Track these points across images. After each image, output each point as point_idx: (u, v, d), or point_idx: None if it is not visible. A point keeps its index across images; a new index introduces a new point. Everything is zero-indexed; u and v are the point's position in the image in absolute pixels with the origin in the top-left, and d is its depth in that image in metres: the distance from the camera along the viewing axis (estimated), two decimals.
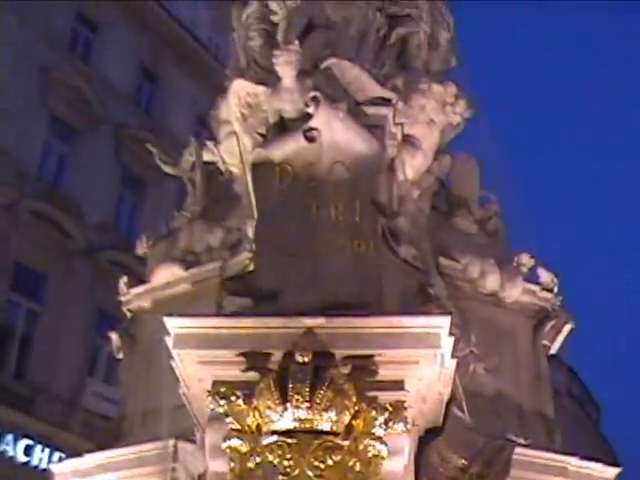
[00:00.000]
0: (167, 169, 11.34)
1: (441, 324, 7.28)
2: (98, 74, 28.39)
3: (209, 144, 10.61)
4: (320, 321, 7.22)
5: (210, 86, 27.70)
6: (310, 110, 8.53)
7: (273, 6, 10.66)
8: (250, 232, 8.95)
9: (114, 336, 10.36)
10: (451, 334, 7.47)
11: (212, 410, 7.25)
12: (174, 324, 7.47)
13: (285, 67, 8.79)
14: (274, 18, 10.67)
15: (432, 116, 9.86)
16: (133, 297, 10.28)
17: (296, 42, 9.05)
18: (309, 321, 7.22)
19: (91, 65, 28.58)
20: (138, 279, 10.53)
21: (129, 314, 10.36)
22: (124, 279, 10.54)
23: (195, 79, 31.85)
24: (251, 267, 8.54)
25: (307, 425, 6.91)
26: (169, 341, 7.51)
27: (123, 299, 10.40)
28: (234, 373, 7.28)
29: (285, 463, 6.84)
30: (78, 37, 28.66)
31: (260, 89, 9.18)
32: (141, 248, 10.74)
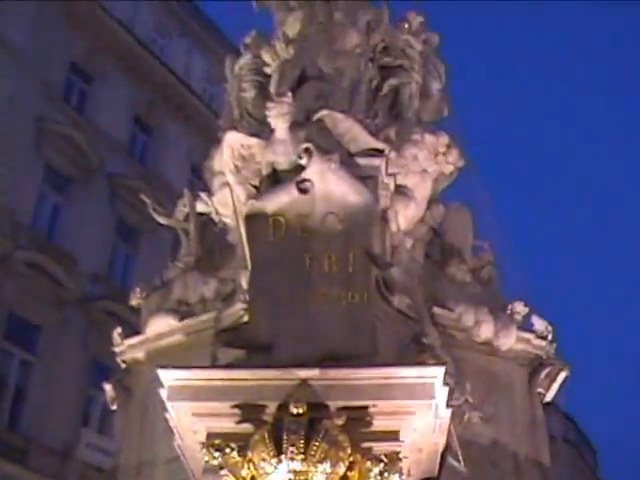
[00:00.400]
0: (161, 220, 11.36)
1: (435, 374, 7.29)
2: (92, 124, 28.49)
3: (203, 195, 10.65)
4: (314, 373, 7.22)
5: (204, 136, 27.88)
6: (303, 162, 8.59)
7: (266, 58, 10.78)
8: (244, 283, 8.96)
9: (108, 387, 10.33)
10: (445, 384, 7.48)
11: (206, 462, 7.24)
12: (168, 376, 7.47)
13: (278, 119, 8.87)
14: (267, 70, 10.78)
15: (425, 166, 9.92)
16: (127, 348, 10.25)
17: (289, 94, 9.14)
18: (303, 373, 7.23)
19: (86, 115, 28.68)
20: (132, 330, 10.51)
21: (123, 365, 10.32)
22: (118, 330, 10.51)
23: (189, 129, 32.01)
24: (245, 318, 8.54)
25: (302, 477, 6.89)
26: (163, 393, 7.50)
27: (117, 350, 10.37)
28: (228, 425, 7.27)
29: None
30: (73, 87, 28.79)
31: (253, 141, 9.25)
32: (135, 299, 10.72)
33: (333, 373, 7.26)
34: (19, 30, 26.51)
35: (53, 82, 27.59)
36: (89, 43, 29.25)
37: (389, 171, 9.36)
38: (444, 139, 10.13)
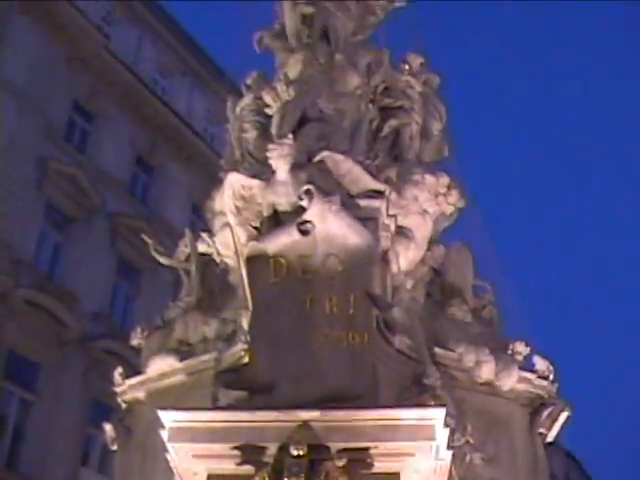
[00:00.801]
0: (162, 260, 11.38)
1: (436, 416, 7.28)
2: (94, 163, 28.55)
3: (204, 236, 10.68)
4: (315, 414, 7.22)
5: (206, 175, 27.95)
6: (304, 203, 8.63)
7: (267, 99, 10.85)
8: (245, 324, 8.96)
9: (108, 427, 10.30)
10: (446, 425, 7.47)
11: None
12: (169, 418, 7.47)
13: (279, 161, 8.93)
14: (268, 111, 10.85)
15: (425, 207, 9.97)
16: (128, 388, 10.24)
17: (290, 136, 9.21)
18: (304, 414, 7.22)
19: (87, 154, 28.74)
20: (133, 369, 10.50)
21: (124, 405, 10.30)
22: (119, 370, 10.50)
23: (190, 169, 32.09)
24: (246, 359, 8.55)
25: None
26: (164, 434, 7.49)
27: (118, 390, 10.35)
28: (229, 466, 7.26)
29: None
30: (75, 126, 28.89)
31: (254, 182, 9.30)
32: (136, 339, 10.72)
33: (334, 414, 7.26)
34: (21, 69, 26.63)
35: (55, 121, 27.66)
36: (91, 82, 29.36)
37: (390, 212, 9.40)
38: (444, 180, 10.19)
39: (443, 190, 10.16)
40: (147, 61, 32.80)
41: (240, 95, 11.75)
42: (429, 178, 10.07)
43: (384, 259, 9.26)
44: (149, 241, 11.52)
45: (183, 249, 11.02)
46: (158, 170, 31.53)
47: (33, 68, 26.97)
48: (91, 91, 29.42)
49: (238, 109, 11.41)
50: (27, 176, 26.02)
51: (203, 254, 10.72)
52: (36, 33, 27.43)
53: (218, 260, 10.58)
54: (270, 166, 9.11)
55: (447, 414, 7.44)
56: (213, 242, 10.49)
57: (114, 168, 29.42)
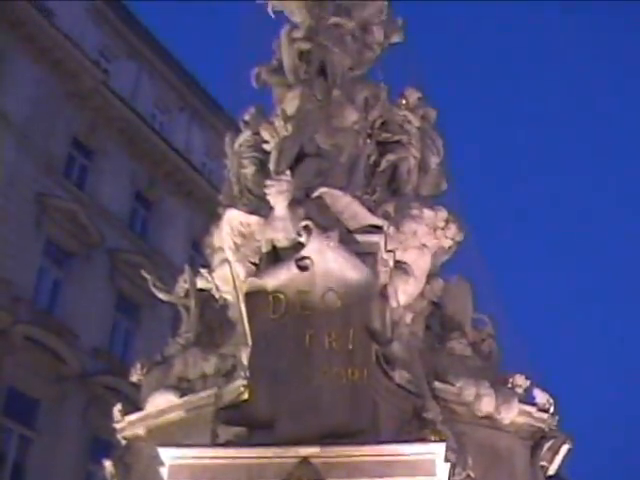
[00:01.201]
0: (161, 296, 11.39)
1: (436, 451, 7.29)
2: (93, 199, 28.59)
3: (203, 271, 10.69)
4: (315, 450, 7.21)
5: (204, 211, 27.95)
6: (302, 239, 8.67)
7: (265, 135, 10.90)
8: (245, 359, 8.97)
9: (108, 464, 10.25)
10: (447, 459, 7.46)
11: None
12: (169, 454, 7.47)
13: (277, 197, 8.97)
14: (266, 146, 10.89)
15: (424, 241, 9.99)
16: (127, 424, 10.21)
17: (287, 172, 9.25)
18: (304, 450, 7.22)
19: (86, 190, 28.78)
20: (133, 405, 10.49)
21: (123, 441, 10.27)
22: (118, 406, 10.49)
23: (189, 204, 32.16)
24: (246, 395, 8.54)
25: None
26: (164, 471, 7.48)
27: (117, 426, 10.32)
28: None
29: None
30: (74, 162, 28.94)
31: (253, 219, 9.32)
32: (135, 375, 10.70)
33: (334, 451, 7.25)
34: (20, 105, 26.70)
35: (54, 157, 27.73)
36: (90, 118, 29.45)
37: (388, 247, 9.42)
38: (443, 214, 10.21)
39: (441, 224, 10.19)
40: (145, 96, 32.93)
41: (238, 130, 11.80)
42: (427, 212, 10.10)
43: (383, 294, 9.27)
44: (148, 277, 11.53)
45: (182, 285, 11.04)
46: (157, 205, 31.57)
47: (32, 104, 27.07)
48: (90, 127, 29.50)
49: (236, 145, 11.46)
50: (26, 212, 26.05)
51: (202, 290, 10.73)
52: (35, 69, 27.57)
53: (217, 296, 10.59)
54: (268, 202, 9.14)
55: (448, 448, 7.45)
56: (212, 278, 10.50)
57: (113, 204, 29.47)
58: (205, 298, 10.75)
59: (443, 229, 10.23)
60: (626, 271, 73.76)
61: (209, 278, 10.55)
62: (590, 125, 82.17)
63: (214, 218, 10.70)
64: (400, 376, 9.01)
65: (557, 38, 78.61)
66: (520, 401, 9.74)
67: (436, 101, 12.39)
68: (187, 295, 10.89)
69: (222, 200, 11.54)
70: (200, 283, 10.72)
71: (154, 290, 11.41)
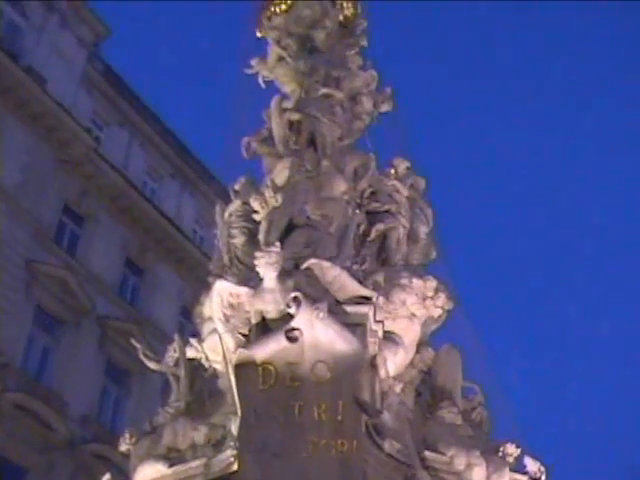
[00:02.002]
0: (151, 365, 11.36)
1: None
2: (84, 266, 28.54)
3: (193, 341, 10.69)
4: None
5: (195, 278, 28.01)
6: (291, 310, 8.72)
7: (255, 205, 10.96)
8: (234, 429, 8.96)
9: None
10: None
11: None
12: None
13: (266, 269, 9.04)
14: (256, 216, 10.96)
15: (413, 310, 10.03)
16: None
17: (277, 243, 9.33)
18: None
19: (77, 257, 28.76)
20: (122, 474, 10.43)
21: None
22: (107, 476, 10.42)
23: (180, 271, 32.15)
24: (235, 466, 8.53)
25: None
26: None
27: None
28: None
29: None
30: (64, 229, 28.98)
31: (242, 290, 9.37)
32: (124, 444, 10.64)
33: None
34: (12, 171, 26.77)
35: (45, 224, 27.76)
36: (81, 185, 29.51)
37: (377, 317, 9.47)
38: (432, 283, 10.27)
39: (431, 293, 10.24)
40: (137, 164, 33.07)
41: (228, 198, 11.88)
42: (416, 282, 10.15)
43: (372, 364, 9.29)
44: (138, 346, 11.51)
45: (172, 354, 11.02)
46: (147, 272, 31.55)
47: (23, 170, 27.17)
48: (81, 194, 29.58)
49: (226, 215, 11.54)
50: (16, 279, 26.01)
51: (192, 359, 10.72)
52: (27, 135, 27.68)
53: (207, 365, 10.58)
54: (258, 272, 9.20)
55: None
56: (202, 347, 10.50)
57: (104, 270, 29.44)
58: (195, 367, 10.74)
59: (432, 298, 10.27)
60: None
61: (199, 348, 10.55)
62: None
63: (204, 286, 10.74)
64: (390, 446, 8.98)
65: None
66: (511, 470, 9.72)
67: (426, 169, 12.51)
68: (177, 364, 10.87)
69: (212, 269, 11.58)
70: (190, 352, 10.71)
71: (144, 359, 11.39)
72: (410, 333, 9.96)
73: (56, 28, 30.07)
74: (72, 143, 28.92)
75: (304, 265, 9.39)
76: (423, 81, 61.37)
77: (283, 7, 13.44)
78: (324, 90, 12.18)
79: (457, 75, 74.29)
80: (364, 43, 13.61)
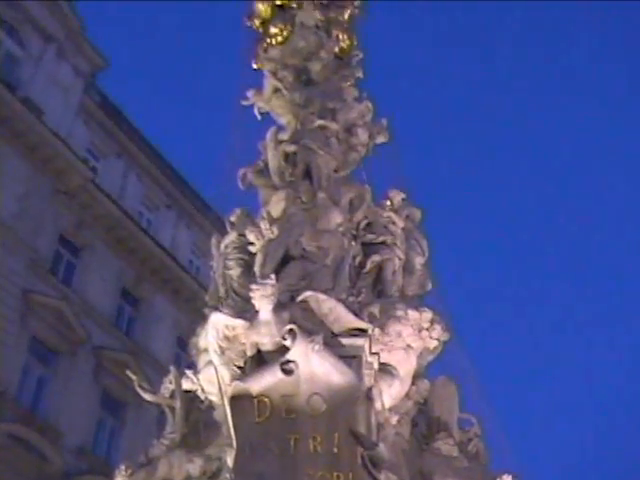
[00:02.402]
0: (147, 397, 11.33)
1: None
2: (79, 296, 28.51)
3: (188, 373, 10.67)
4: None
5: (191, 308, 27.96)
6: (287, 343, 8.74)
7: (250, 237, 10.97)
8: (230, 462, 8.93)
9: None
10: None
11: None
12: None
13: (262, 301, 9.05)
14: (251, 248, 10.97)
15: (409, 342, 10.03)
16: None
17: (272, 276, 9.35)
18: None
19: (73, 287, 28.73)
20: None
21: None
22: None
23: (176, 302, 32.10)
24: None
25: None
26: None
27: None
28: None
29: None
30: (60, 259, 28.95)
31: (238, 322, 9.38)
32: (120, 477, 10.58)
33: None
34: (8, 201, 26.77)
35: (41, 254, 27.73)
36: (77, 216, 29.53)
37: (373, 349, 9.48)
38: (427, 315, 10.27)
39: (426, 325, 10.24)
40: (133, 194, 33.11)
41: (224, 229, 11.90)
42: (412, 313, 10.16)
43: (368, 397, 9.27)
44: (134, 377, 11.49)
45: (168, 386, 11.00)
46: (143, 303, 31.51)
47: (20, 200, 27.17)
48: (77, 224, 29.59)
49: (222, 246, 11.55)
50: (12, 308, 25.96)
51: (188, 391, 10.70)
52: (23, 166, 27.71)
53: (203, 397, 10.56)
54: (254, 305, 9.21)
55: None
56: (198, 379, 10.48)
57: (99, 301, 29.40)
58: (191, 399, 10.72)
59: (428, 330, 10.28)
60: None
61: (195, 379, 10.54)
62: None
63: (200, 318, 10.73)
64: (386, 478, 8.95)
65: None
66: None
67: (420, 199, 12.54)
68: (173, 396, 10.85)
69: (208, 300, 11.58)
70: (186, 384, 10.69)
71: (139, 391, 11.36)
72: (406, 365, 9.95)
73: (53, 58, 30.20)
74: (68, 173, 28.95)
75: (300, 297, 9.42)
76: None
77: (279, 39, 13.51)
78: (320, 122, 12.23)
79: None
80: (360, 75, 13.68)
